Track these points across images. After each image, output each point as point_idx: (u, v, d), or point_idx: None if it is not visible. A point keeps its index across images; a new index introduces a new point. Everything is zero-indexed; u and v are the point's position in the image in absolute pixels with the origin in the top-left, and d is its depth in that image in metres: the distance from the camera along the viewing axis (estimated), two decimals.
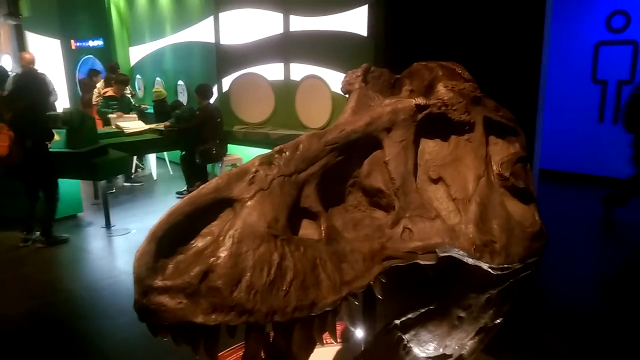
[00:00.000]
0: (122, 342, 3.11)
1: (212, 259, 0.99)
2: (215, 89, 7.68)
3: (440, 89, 1.42)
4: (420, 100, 1.39)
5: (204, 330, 0.99)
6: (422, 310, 1.37)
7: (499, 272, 1.31)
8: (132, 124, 7.63)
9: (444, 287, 1.41)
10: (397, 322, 1.36)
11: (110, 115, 7.82)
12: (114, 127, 7.44)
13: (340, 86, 1.61)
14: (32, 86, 4.98)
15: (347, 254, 1.18)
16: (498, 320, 1.49)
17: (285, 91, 6.96)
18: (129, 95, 9.36)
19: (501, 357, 2.01)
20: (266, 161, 1.16)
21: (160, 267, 0.98)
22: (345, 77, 1.60)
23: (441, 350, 1.40)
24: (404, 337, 1.36)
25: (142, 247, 0.97)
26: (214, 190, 1.07)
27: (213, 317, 0.96)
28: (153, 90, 9.38)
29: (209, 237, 1.05)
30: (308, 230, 1.19)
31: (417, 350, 1.38)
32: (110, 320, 3.48)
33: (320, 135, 1.27)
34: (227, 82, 7.90)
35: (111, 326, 3.38)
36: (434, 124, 1.41)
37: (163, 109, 8.77)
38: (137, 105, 9.55)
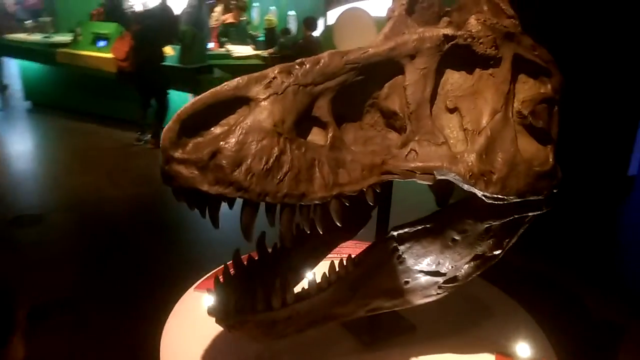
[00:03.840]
0: (206, 230, 3.58)
1: (221, 143, 1.20)
2: (322, 22, 7.79)
3: (471, 21, 1.45)
4: (448, 31, 1.43)
5: (209, 199, 1.21)
6: (419, 227, 1.49)
7: (493, 202, 1.38)
8: (241, 48, 8.07)
9: (443, 209, 1.51)
10: (395, 233, 1.50)
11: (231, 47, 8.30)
12: (224, 49, 7.94)
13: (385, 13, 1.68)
14: (165, 25, 5.50)
15: (346, 162, 1.33)
16: (497, 252, 1.56)
17: None
18: (246, 23, 9.82)
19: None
20: (285, 70, 1.32)
21: (182, 143, 1.21)
22: (392, 4, 1.67)
23: (434, 267, 1.52)
24: (399, 247, 1.50)
25: (168, 125, 1.20)
26: (234, 88, 1.26)
27: (215, 188, 1.18)
28: (264, 18, 9.72)
29: (225, 127, 1.25)
30: (316, 137, 1.34)
31: (411, 262, 1.51)
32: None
33: (343, 54, 1.40)
34: (334, 15, 7.94)
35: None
36: (461, 56, 1.46)
37: (272, 37, 9.11)
38: (250, 32, 10.01)
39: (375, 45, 1.45)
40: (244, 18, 9.97)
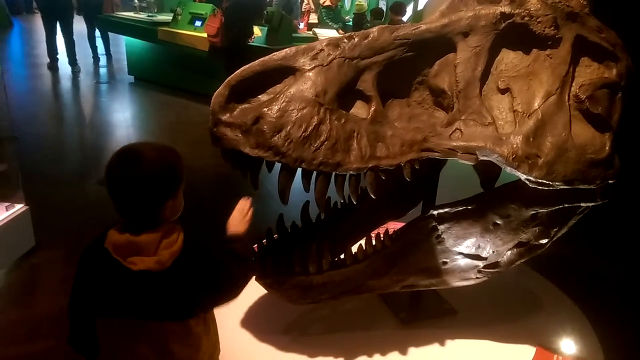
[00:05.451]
0: (277, 203, 3.77)
1: (265, 109, 1.27)
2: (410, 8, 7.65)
3: None
4: (505, 8, 1.39)
5: (250, 161, 1.29)
6: (460, 208, 1.47)
7: (537, 187, 1.33)
8: (326, 32, 8.14)
9: (485, 192, 1.48)
10: (435, 212, 1.49)
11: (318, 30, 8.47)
12: (311, 33, 8.06)
13: None
14: (254, 3, 5.75)
15: (386, 136, 1.35)
16: (543, 241, 1.51)
17: None
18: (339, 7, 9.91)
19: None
20: (333, 43, 1.36)
21: (230, 108, 1.30)
22: None
23: (474, 250, 1.50)
24: (438, 227, 1.49)
25: (219, 90, 1.30)
26: (281, 58, 1.33)
27: (255, 151, 1.26)
28: (355, 2, 9.69)
29: (271, 95, 1.32)
30: (359, 110, 1.37)
31: (450, 242, 1.50)
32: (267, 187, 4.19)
33: (393, 30, 1.41)
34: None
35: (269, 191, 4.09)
36: (518, 35, 1.41)
37: (361, 21, 9.09)
38: (342, 16, 10.08)
39: (429, 22, 1.44)
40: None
